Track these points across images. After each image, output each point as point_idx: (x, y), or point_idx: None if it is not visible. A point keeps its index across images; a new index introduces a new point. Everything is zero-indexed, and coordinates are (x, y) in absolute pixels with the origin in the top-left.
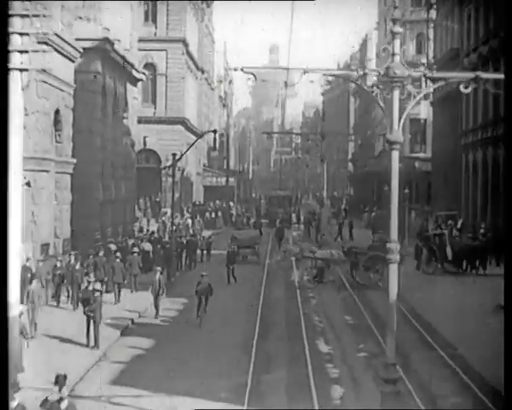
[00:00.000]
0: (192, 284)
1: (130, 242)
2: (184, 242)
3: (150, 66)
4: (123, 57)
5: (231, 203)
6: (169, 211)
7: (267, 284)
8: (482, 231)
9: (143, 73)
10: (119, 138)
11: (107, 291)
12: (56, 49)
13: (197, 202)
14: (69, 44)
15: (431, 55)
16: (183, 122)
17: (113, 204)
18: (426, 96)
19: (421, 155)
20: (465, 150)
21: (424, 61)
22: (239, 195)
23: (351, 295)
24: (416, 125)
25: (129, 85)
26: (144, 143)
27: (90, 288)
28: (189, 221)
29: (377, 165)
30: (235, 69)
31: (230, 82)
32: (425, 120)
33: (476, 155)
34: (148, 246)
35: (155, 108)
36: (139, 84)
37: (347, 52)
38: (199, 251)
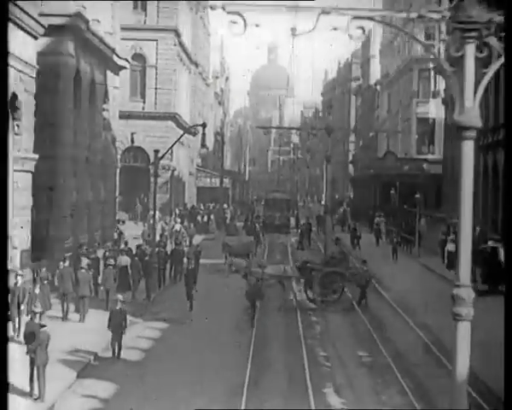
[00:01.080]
0: (176, 301)
1: (105, 251)
2: (169, 251)
3: (139, 57)
4: (101, 39)
5: (225, 206)
6: (157, 214)
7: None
8: None
9: (126, 60)
10: (97, 133)
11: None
12: (14, 21)
13: (190, 205)
14: (31, 17)
15: None
16: (174, 118)
17: (88, 207)
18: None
19: (430, 156)
20: (484, 151)
21: None
22: (234, 197)
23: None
24: (424, 125)
25: (110, 74)
26: (132, 141)
27: (37, 320)
28: (177, 226)
29: (381, 167)
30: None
31: (227, 79)
32: (434, 119)
33: (497, 156)
34: (125, 260)
35: (144, 102)
36: (126, 75)
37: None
38: (186, 260)
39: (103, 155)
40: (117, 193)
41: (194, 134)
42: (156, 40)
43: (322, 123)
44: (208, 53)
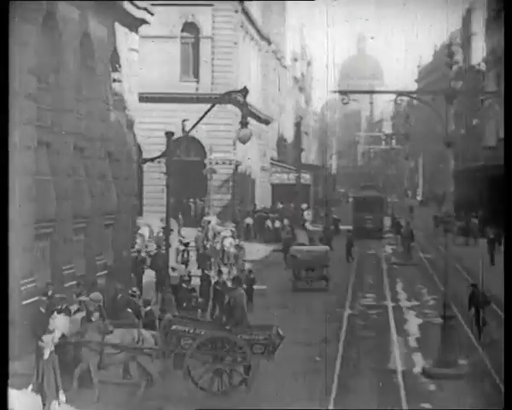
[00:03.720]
0: None
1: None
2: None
3: (191, 26)
4: None
5: (304, 206)
6: (214, 220)
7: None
8: None
9: (146, 11)
10: (101, 112)
11: None
12: None
13: (260, 207)
14: None
15: None
16: (242, 104)
17: (87, 222)
18: None
19: None
20: None
21: None
22: (317, 195)
23: None
24: None
25: (123, 29)
26: (183, 129)
27: None
28: (228, 241)
29: (494, 158)
30: None
31: (309, 63)
32: None
33: None
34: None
35: (198, 82)
36: (175, 49)
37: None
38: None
39: (113, 144)
40: (136, 199)
41: (268, 122)
42: (212, 5)
43: (416, 112)
44: (284, 31)
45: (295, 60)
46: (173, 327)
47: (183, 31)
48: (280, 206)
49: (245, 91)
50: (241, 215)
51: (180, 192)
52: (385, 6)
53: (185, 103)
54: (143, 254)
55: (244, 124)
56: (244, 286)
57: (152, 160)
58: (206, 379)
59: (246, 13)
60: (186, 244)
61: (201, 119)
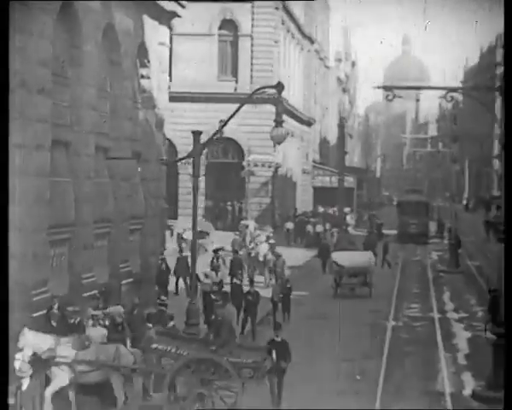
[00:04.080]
0: None
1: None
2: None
3: (230, 24)
4: None
5: (347, 210)
6: (252, 224)
7: None
8: None
9: (177, 2)
10: (128, 111)
11: None
12: None
13: (301, 211)
14: None
15: None
16: (276, 101)
17: (111, 227)
18: None
19: None
20: None
21: None
22: (361, 197)
23: None
24: None
25: (151, 21)
26: (221, 130)
27: None
28: (264, 247)
29: None
30: None
31: (354, 64)
32: None
33: None
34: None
35: (236, 81)
36: (213, 48)
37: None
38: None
39: (141, 144)
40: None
41: (310, 124)
42: (252, 2)
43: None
44: (327, 30)
45: (339, 60)
46: (154, 346)
47: (221, 28)
48: (321, 210)
49: (280, 87)
50: (282, 219)
51: (217, 195)
52: (430, 6)
53: (223, 103)
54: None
55: (278, 122)
56: (280, 296)
57: (179, 160)
58: (189, 402)
59: (287, 10)
60: (217, 250)
61: (230, 118)
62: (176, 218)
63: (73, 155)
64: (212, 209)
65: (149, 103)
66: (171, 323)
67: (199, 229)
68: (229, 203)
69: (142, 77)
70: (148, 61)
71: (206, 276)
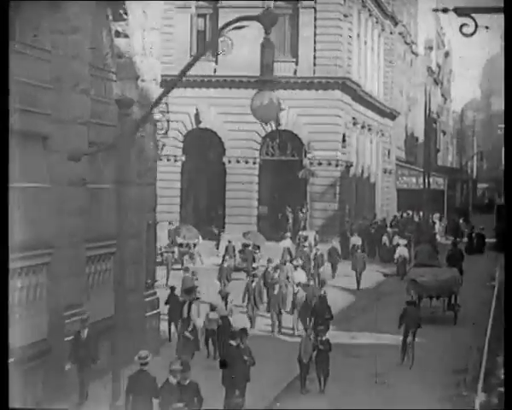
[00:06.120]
0: None
1: None
2: None
3: None
4: None
5: (436, 216)
6: (312, 235)
7: None
8: None
9: None
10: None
11: None
12: None
13: (380, 217)
14: None
15: None
16: (345, 86)
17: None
18: None
19: None
20: None
21: None
22: (454, 202)
23: None
24: None
25: None
26: (277, 121)
27: None
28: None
29: None
30: None
31: (447, 54)
32: None
33: None
34: None
35: (296, 63)
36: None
37: None
38: None
39: (107, 132)
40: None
41: (393, 117)
42: None
43: None
44: (415, 12)
45: (430, 48)
46: None
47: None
48: (398, 216)
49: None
50: (355, 229)
51: (273, 199)
52: None
53: (280, 89)
54: None
55: (264, 83)
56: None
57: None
58: None
59: None
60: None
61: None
62: (223, 227)
63: None
64: (267, 217)
65: (128, 73)
66: None
67: (250, 242)
68: (289, 209)
69: (118, 34)
70: (126, 13)
71: (213, 308)
